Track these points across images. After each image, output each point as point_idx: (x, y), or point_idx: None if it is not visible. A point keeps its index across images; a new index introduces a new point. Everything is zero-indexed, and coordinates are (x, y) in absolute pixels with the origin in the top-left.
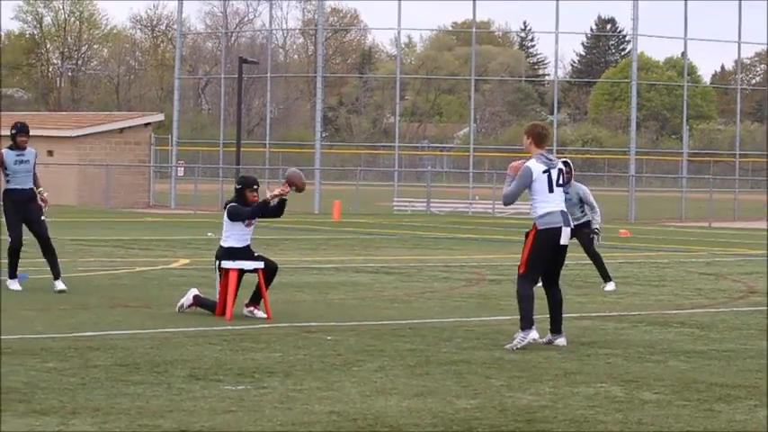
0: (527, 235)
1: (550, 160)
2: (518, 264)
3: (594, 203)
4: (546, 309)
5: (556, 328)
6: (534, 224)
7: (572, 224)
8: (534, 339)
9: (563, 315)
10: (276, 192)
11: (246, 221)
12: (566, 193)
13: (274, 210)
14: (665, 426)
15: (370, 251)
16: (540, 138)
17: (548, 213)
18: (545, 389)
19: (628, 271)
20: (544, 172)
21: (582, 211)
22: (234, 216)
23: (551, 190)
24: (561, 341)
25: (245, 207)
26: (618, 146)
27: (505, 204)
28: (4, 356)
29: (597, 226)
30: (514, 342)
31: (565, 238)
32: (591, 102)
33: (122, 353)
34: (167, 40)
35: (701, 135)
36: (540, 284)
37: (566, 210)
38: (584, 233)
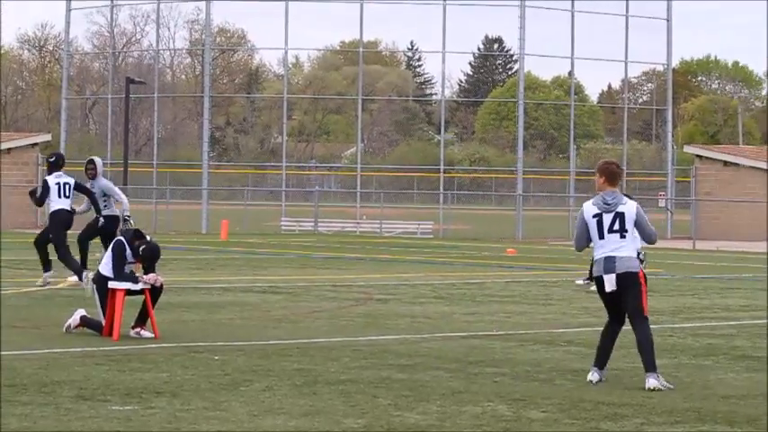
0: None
1: (608, 204)
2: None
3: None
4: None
5: (645, 367)
6: None
7: (617, 270)
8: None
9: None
10: (149, 281)
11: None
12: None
13: (135, 290)
14: None
15: (258, 271)
16: (612, 176)
17: (596, 261)
18: (432, 408)
19: (515, 290)
20: (594, 216)
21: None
22: (114, 256)
23: (601, 236)
24: (650, 382)
25: (125, 259)
26: (506, 165)
27: (578, 251)
28: None
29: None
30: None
31: (609, 285)
32: (478, 121)
33: (9, 373)
34: (55, 61)
35: (589, 154)
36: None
37: (614, 255)
38: None
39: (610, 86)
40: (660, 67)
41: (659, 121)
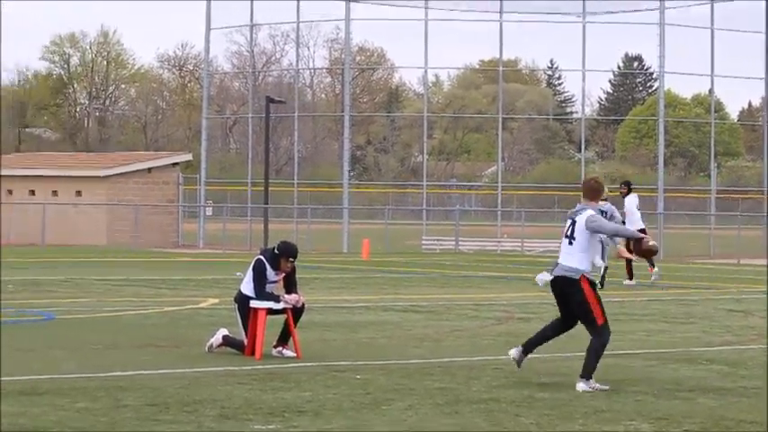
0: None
1: (573, 213)
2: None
3: None
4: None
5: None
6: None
7: (555, 273)
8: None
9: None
10: (291, 301)
11: (272, 280)
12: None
13: (276, 309)
14: None
15: (399, 290)
16: (585, 191)
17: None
18: (575, 427)
19: (656, 308)
20: (571, 223)
21: None
22: (255, 276)
23: (570, 242)
24: (579, 386)
25: (266, 279)
26: (646, 183)
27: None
28: (36, 396)
29: None
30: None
31: (539, 281)
32: (618, 139)
33: (152, 392)
34: (195, 80)
35: (729, 172)
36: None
37: (558, 260)
38: None
39: (750, 104)
40: None
41: None
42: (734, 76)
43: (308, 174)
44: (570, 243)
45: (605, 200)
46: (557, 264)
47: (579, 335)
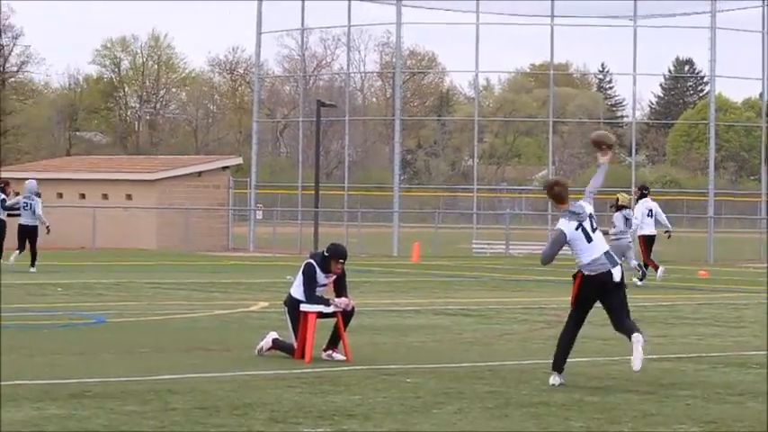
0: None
1: (578, 214)
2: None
3: None
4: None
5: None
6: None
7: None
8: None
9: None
10: (341, 305)
11: (322, 283)
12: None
13: (326, 313)
14: None
15: (450, 293)
16: (559, 198)
17: (592, 261)
18: (624, 430)
19: (707, 312)
20: (576, 228)
21: None
22: (305, 279)
23: (589, 240)
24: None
25: (316, 282)
26: (697, 187)
27: (543, 264)
28: (86, 399)
29: None
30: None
31: (618, 275)
32: (669, 143)
33: (202, 396)
34: (245, 84)
35: None
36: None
37: (609, 250)
38: None
39: None
40: None
41: None
42: None
43: (359, 177)
44: (590, 241)
45: (626, 207)
46: (607, 254)
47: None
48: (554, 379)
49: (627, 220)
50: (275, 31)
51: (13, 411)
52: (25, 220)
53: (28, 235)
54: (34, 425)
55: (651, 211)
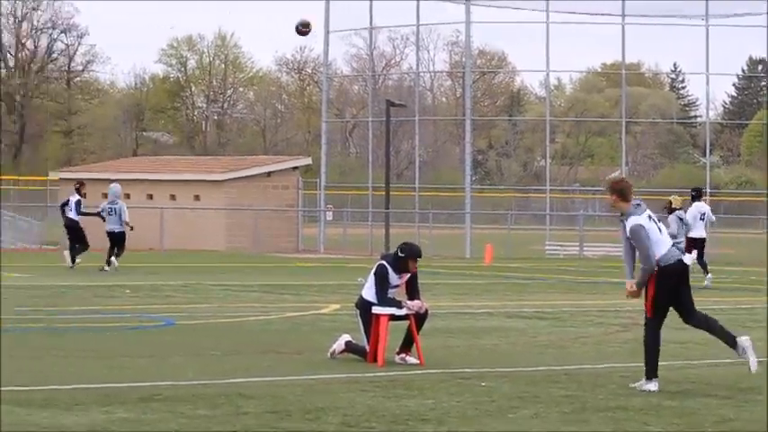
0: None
1: (642, 206)
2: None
3: None
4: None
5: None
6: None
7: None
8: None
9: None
10: (414, 308)
11: (394, 284)
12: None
13: (398, 316)
14: None
15: (523, 296)
16: (625, 193)
17: (666, 253)
18: None
19: None
20: (650, 219)
21: None
22: (377, 281)
23: (660, 231)
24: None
25: (388, 284)
26: None
27: (653, 268)
28: (155, 403)
29: None
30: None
31: (690, 260)
32: (744, 143)
33: (273, 400)
34: (313, 83)
35: None
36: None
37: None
38: None
39: None
40: None
41: None
42: None
43: (430, 178)
44: (662, 232)
45: (679, 208)
46: (676, 245)
47: (709, 342)
48: (653, 385)
49: (681, 221)
50: (343, 30)
51: (80, 415)
52: (111, 226)
53: (117, 243)
54: (102, 429)
55: (704, 215)
